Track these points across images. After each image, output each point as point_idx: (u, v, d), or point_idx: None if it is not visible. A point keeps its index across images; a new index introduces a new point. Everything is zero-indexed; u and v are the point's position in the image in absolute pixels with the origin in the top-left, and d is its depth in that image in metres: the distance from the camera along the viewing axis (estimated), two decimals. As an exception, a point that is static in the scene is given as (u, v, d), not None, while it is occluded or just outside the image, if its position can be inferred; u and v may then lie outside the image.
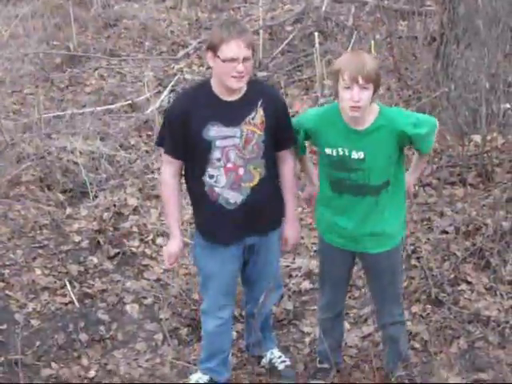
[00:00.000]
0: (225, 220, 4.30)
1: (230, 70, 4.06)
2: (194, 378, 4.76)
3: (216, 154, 4.19)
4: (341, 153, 4.13)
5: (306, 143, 4.45)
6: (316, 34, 8.84)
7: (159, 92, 8.94)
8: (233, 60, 4.04)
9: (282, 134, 4.31)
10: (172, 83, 9.03)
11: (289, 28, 10.15)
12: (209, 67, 9.51)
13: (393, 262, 4.37)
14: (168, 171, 4.34)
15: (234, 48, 4.03)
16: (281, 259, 5.68)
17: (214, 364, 4.66)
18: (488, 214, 5.91)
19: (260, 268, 4.53)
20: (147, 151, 7.75)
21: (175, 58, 9.82)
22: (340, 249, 4.37)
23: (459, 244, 5.74)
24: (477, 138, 6.77)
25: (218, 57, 4.07)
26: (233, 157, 4.20)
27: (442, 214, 6.15)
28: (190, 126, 4.17)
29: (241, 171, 4.23)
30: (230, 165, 4.21)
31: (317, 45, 8.61)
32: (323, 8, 10.12)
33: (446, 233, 5.92)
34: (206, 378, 4.70)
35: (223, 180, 4.23)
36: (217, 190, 4.24)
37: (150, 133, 8.11)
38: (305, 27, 9.99)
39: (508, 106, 6.69)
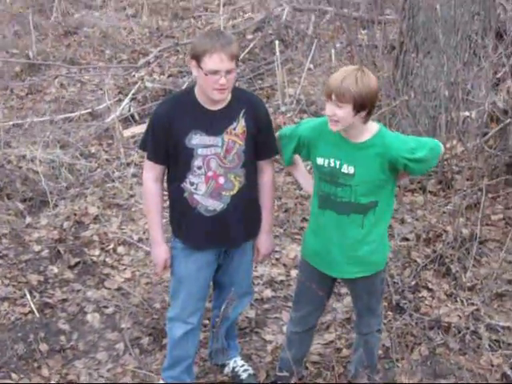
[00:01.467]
0: (203, 227, 4.30)
1: (212, 83, 4.05)
2: None
3: (197, 162, 4.19)
4: (332, 164, 4.09)
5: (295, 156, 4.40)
6: (277, 42, 8.87)
7: (120, 100, 8.91)
8: (215, 73, 4.02)
9: (262, 144, 4.32)
10: (133, 91, 9.01)
11: (249, 36, 10.18)
12: (170, 75, 9.56)
13: (371, 287, 4.33)
14: (150, 176, 4.33)
15: (216, 61, 4.00)
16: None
17: (178, 372, 4.64)
18: (448, 221, 5.97)
19: (232, 273, 4.54)
20: (108, 160, 7.71)
21: (136, 66, 9.79)
22: (319, 271, 4.34)
23: (420, 251, 5.79)
24: (436, 145, 6.82)
25: (201, 68, 4.06)
26: (214, 165, 4.20)
27: (402, 221, 6.19)
28: (173, 132, 4.18)
29: (221, 180, 4.23)
30: (210, 173, 4.21)
31: (277, 53, 8.64)
32: (284, 17, 10.17)
33: (407, 240, 5.97)
34: None
35: (203, 188, 4.23)
36: (196, 197, 4.25)
37: (110, 141, 8.08)
38: (265, 35, 10.03)
39: (467, 113, 6.75)
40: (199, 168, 4.20)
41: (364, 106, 3.92)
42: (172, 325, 4.57)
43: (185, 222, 4.34)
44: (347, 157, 4.05)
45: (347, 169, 4.06)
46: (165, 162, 4.29)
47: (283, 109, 8.26)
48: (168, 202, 4.45)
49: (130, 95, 8.92)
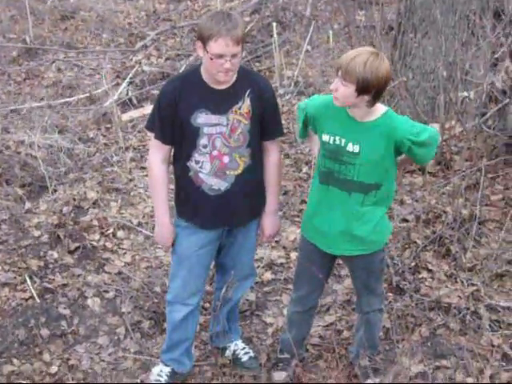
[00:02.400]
0: (207, 206, 4.32)
1: (217, 66, 4.05)
2: (155, 371, 4.75)
3: (203, 141, 4.21)
4: (337, 142, 4.10)
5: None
6: (274, 24, 8.84)
7: (117, 84, 8.90)
8: (220, 57, 4.02)
9: (268, 124, 4.33)
10: (130, 75, 9.00)
11: (247, 19, 10.14)
12: (167, 58, 9.53)
13: (370, 265, 4.35)
14: (157, 156, 4.34)
15: (222, 46, 4.00)
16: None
17: (177, 354, 4.66)
18: (447, 202, 5.97)
19: (235, 254, 4.56)
20: (106, 144, 7.70)
21: (133, 50, 9.76)
22: (319, 249, 4.36)
23: (419, 232, 5.79)
24: (435, 126, 6.80)
25: (207, 51, 4.05)
26: (219, 144, 4.22)
27: (402, 203, 6.19)
28: (179, 112, 4.19)
29: (226, 159, 4.24)
30: (215, 152, 4.23)
31: (275, 35, 8.61)
32: (281, -2, 10.15)
33: (407, 221, 5.97)
34: (167, 370, 4.69)
35: (208, 166, 4.24)
36: (201, 176, 4.26)
37: (108, 125, 8.07)
38: (263, 18, 10.00)
39: (466, 94, 6.73)
40: (204, 147, 4.21)
41: (367, 90, 3.91)
42: (171, 308, 4.59)
43: (189, 201, 4.36)
44: (353, 135, 4.07)
45: (352, 147, 4.07)
46: (171, 141, 4.30)
47: (281, 91, 8.24)
48: (174, 182, 4.47)
49: (127, 79, 8.91)
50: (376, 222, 4.23)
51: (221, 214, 4.34)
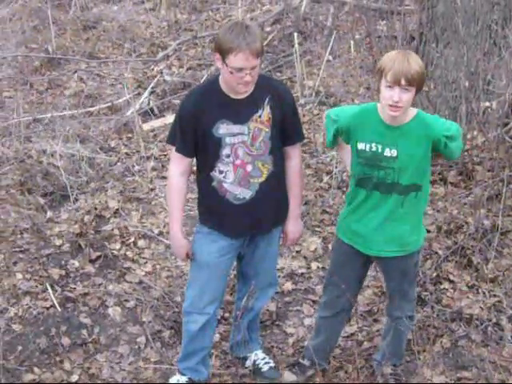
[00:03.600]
0: (232, 214, 4.34)
1: (237, 79, 4.09)
2: (172, 380, 4.76)
3: (226, 151, 4.24)
4: (374, 148, 4.15)
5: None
6: (295, 34, 8.84)
7: (139, 94, 8.91)
8: (240, 70, 4.05)
9: (288, 130, 4.35)
10: (152, 85, 9.00)
11: (268, 29, 10.14)
12: (189, 68, 9.55)
13: (405, 267, 4.39)
14: (177, 169, 4.36)
15: (242, 59, 4.02)
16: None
17: (194, 363, 4.66)
18: (469, 213, 5.94)
19: (256, 263, 4.57)
20: (127, 153, 7.72)
21: (155, 60, 9.78)
22: (355, 250, 4.37)
23: (441, 243, 5.76)
24: (457, 136, 6.78)
25: (226, 64, 4.07)
26: (241, 153, 4.25)
27: (423, 213, 6.15)
28: (201, 123, 4.22)
29: (249, 168, 4.27)
30: (238, 161, 4.26)
31: (296, 45, 8.60)
32: (302, 8, 10.13)
33: (428, 231, 5.91)
34: (184, 379, 4.70)
35: (232, 176, 4.27)
36: (225, 185, 4.29)
37: (130, 135, 8.09)
38: (284, 28, 9.99)
39: (488, 104, 6.71)
40: (227, 156, 4.24)
41: (422, 85, 4.06)
42: (188, 318, 4.59)
43: (214, 210, 4.39)
44: (389, 140, 4.13)
45: (390, 152, 4.13)
46: (193, 154, 4.33)
47: (302, 101, 8.23)
48: (196, 194, 4.51)
49: (149, 89, 8.92)
50: (414, 223, 4.29)
51: (246, 222, 4.36)
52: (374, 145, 4.15)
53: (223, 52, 4.06)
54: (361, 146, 4.19)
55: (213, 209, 4.39)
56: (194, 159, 4.41)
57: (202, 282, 4.48)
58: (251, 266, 4.60)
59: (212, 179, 4.30)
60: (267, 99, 4.24)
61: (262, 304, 4.82)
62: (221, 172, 4.27)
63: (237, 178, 4.27)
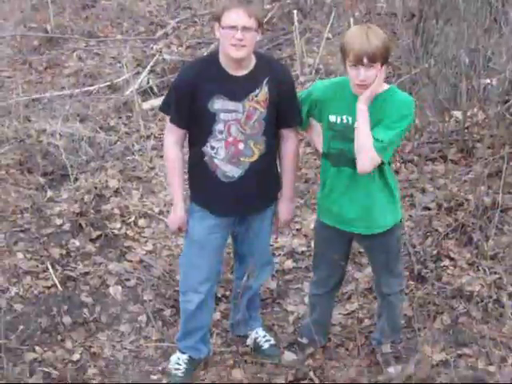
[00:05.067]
0: (220, 192, 4.33)
1: (229, 38, 4.07)
2: (173, 359, 4.76)
3: (219, 127, 4.22)
4: (345, 121, 4.14)
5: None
6: (295, 11, 8.81)
7: (138, 73, 8.89)
8: (231, 27, 4.04)
9: (285, 112, 4.32)
10: (151, 64, 8.98)
11: (267, 6, 10.09)
12: (188, 47, 9.52)
13: (387, 242, 4.38)
14: (171, 139, 4.36)
15: (233, 16, 4.04)
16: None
17: (193, 341, 4.67)
18: (469, 190, 5.93)
19: (251, 241, 4.56)
20: (127, 133, 7.71)
21: (154, 39, 9.76)
22: (336, 229, 4.37)
23: (441, 220, 5.76)
24: (457, 113, 6.78)
25: (221, 26, 4.09)
26: (234, 131, 4.23)
27: (423, 191, 6.16)
28: (197, 97, 4.20)
29: (241, 146, 4.25)
30: (230, 138, 4.24)
31: (296, 23, 8.57)
32: (302, -14, 10.08)
33: (428, 209, 5.94)
34: (185, 358, 4.70)
35: (223, 153, 4.25)
36: (216, 161, 4.27)
37: (129, 114, 8.07)
38: (283, 5, 9.95)
39: (488, 81, 6.69)
40: (220, 132, 4.22)
41: (387, 58, 4.04)
42: (184, 298, 4.60)
43: (203, 187, 4.38)
44: None
45: None
46: (187, 125, 4.31)
47: (302, 79, 8.21)
48: (188, 168, 4.49)
49: (148, 67, 8.89)
50: (389, 198, 4.29)
51: (233, 201, 4.34)
52: (344, 117, 4.14)
53: (219, 15, 4.10)
54: (332, 118, 4.18)
55: (202, 185, 4.39)
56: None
57: (194, 258, 4.48)
58: (245, 246, 4.60)
59: (203, 154, 4.29)
60: (266, 79, 4.22)
61: (261, 282, 4.81)
62: (212, 148, 4.25)
63: (228, 155, 4.25)
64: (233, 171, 4.28)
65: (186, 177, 4.52)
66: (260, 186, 4.36)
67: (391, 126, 4.06)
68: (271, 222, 4.60)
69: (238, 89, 4.19)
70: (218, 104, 4.19)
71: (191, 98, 4.20)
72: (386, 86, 4.16)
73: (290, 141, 4.42)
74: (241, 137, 4.24)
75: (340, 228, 4.35)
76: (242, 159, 4.27)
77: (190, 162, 4.47)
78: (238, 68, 4.18)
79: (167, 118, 4.42)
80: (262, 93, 4.22)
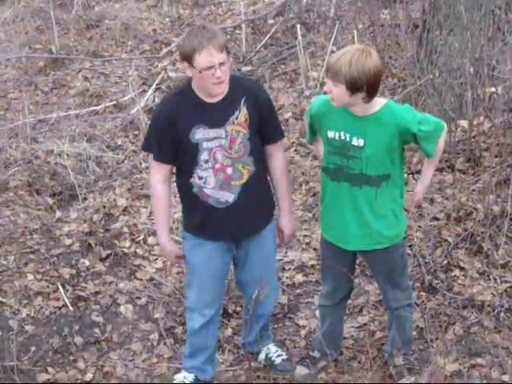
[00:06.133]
0: (215, 219, 4.29)
1: (208, 78, 4.04)
2: (178, 377, 4.75)
3: (204, 156, 4.19)
4: (342, 137, 4.12)
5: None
6: (298, 26, 8.83)
7: (144, 91, 8.91)
8: (209, 68, 4.01)
9: (267, 129, 4.31)
10: (156, 82, 9.01)
11: (271, 21, 10.13)
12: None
13: (390, 259, 4.35)
14: (157, 177, 4.34)
15: (206, 56, 3.99)
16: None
17: (199, 362, 4.65)
18: (478, 199, 5.92)
19: (253, 265, 4.50)
20: (134, 151, 7.72)
21: (158, 57, 9.77)
22: (338, 246, 4.36)
23: (450, 230, 5.75)
24: (464, 123, 6.77)
25: (194, 67, 4.04)
26: (220, 157, 4.20)
27: (432, 201, 6.15)
28: (177, 130, 4.17)
29: (229, 171, 4.22)
30: (218, 165, 4.21)
31: (299, 37, 8.59)
32: (304, 0, 10.11)
33: (437, 219, 5.93)
34: (191, 377, 4.69)
35: (213, 181, 4.22)
36: (207, 191, 4.24)
37: (136, 132, 8.09)
38: (287, 20, 9.98)
39: (493, 89, 6.68)
40: (206, 162, 4.19)
41: (358, 87, 3.93)
42: (190, 315, 4.59)
43: (197, 216, 4.34)
44: (356, 129, 4.10)
45: (357, 141, 4.10)
46: (171, 160, 4.28)
47: (307, 92, 8.22)
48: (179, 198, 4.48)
49: (153, 86, 8.92)
50: (392, 215, 4.26)
51: (230, 225, 4.31)
52: (342, 133, 4.12)
53: (188, 57, 4.04)
54: (330, 134, 4.17)
55: (195, 214, 4.34)
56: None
57: (196, 285, 4.47)
58: (246, 272, 4.54)
59: (192, 186, 4.26)
60: (242, 100, 4.19)
61: (268, 310, 4.74)
62: (200, 178, 4.22)
63: (218, 182, 4.22)
64: (226, 196, 4.25)
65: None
66: (255, 205, 4.33)
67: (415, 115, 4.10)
68: (273, 243, 4.56)
69: (216, 115, 4.17)
70: (199, 133, 4.16)
71: (171, 132, 4.17)
72: (382, 102, 4.13)
73: (276, 157, 4.40)
74: (228, 162, 4.21)
75: (340, 246, 4.35)
76: (232, 183, 4.24)
77: (180, 194, 4.44)
78: (215, 95, 4.17)
79: (150, 156, 4.39)
80: (242, 114, 4.19)
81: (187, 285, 4.60)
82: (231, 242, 4.40)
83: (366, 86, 3.92)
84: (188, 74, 4.16)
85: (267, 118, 4.31)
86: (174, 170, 4.40)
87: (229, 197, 4.25)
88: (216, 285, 4.50)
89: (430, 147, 4.15)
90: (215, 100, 4.17)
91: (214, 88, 4.09)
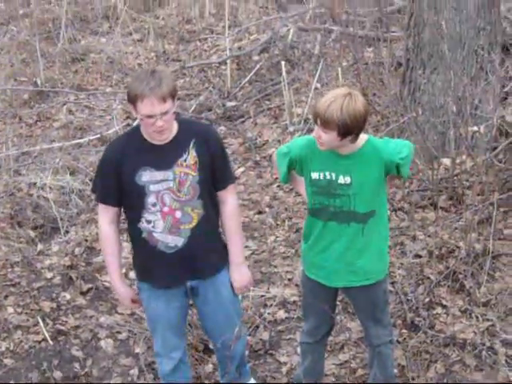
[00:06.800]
0: (164, 264, 4.22)
1: (149, 126, 4.00)
2: None
3: (151, 199, 4.13)
4: (328, 177, 4.12)
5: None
6: (283, 62, 8.89)
7: (128, 125, 8.92)
8: (150, 117, 3.97)
9: (218, 173, 4.25)
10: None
11: (256, 57, 10.19)
12: (177, 98, 9.53)
13: (373, 295, 4.34)
14: (104, 219, 4.28)
15: (148, 106, 3.93)
16: (255, 289, 5.71)
17: None
18: (460, 237, 5.94)
19: (211, 314, 4.42)
20: (117, 185, 7.70)
21: (143, 91, 9.78)
22: (321, 284, 4.35)
23: (433, 267, 5.75)
24: (446, 161, 6.81)
25: (137, 112, 4.01)
26: (168, 200, 4.13)
27: (414, 238, 6.17)
28: (123, 172, 4.12)
29: (178, 214, 4.15)
30: (166, 209, 4.14)
31: (284, 73, 8.65)
32: (289, 37, 10.19)
33: (420, 257, 5.94)
34: None
35: (161, 224, 4.15)
36: (155, 235, 4.18)
37: (120, 166, 8.07)
38: (272, 56, 10.05)
39: (476, 128, 6.73)
40: (154, 205, 4.14)
41: (349, 132, 3.96)
42: (160, 360, 4.55)
43: (147, 262, 4.28)
44: (342, 168, 4.10)
45: (344, 179, 4.11)
46: (116, 203, 4.23)
47: (291, 129, 8.26)
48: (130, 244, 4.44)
49: (138, 120, 8.92)
50: (378, 251, 4.27)
51: (182, 270, 4.24)
52: (327, 173, 4.12)
53: (132, 100, 3.99)
54: (314, 175, 4.16)
55: (145, 261, 4.29)
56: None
57: (161, 332, 4.42)
58: (208, 320, 4.47)
59: (141, 231, 4.20)
60: (192, 143, 4.14)
61: (239, 351, 4.64)
62: (148, 222, 4.16)
63: (166, 226, 4.15)
64: (175, 241, 4.18)
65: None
66: (205, 249, 4.26)
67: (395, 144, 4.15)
68: (230, 289, 4.44)
69: (164, 157, 4.11)
70: (146, 176, 4.10)
71: (117, 174, 4.12)
72: (364, 138, 4.13)
73: (228, 202, 4.33)
74: (176, 205, 4.14)
75: (324, 283, 4.33)
76: (181, 227, 4.17)
77: (130, 239, 4.38)
78: (157, 140, 4.12)
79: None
80: (191, 156, 4.13)
81: (151, 332, 4.56)
82: (183, 288, 4.32)
83: (356, 129, 3.95)
84: (133, 113, 4.11)
85: (218, 161, 4.23)
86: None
87: (178, 241, 4.18)
88: (177, 330, 4.45)
89: (407, 170, 4.19)
90: (162, 142, 4.12)
91: (155, 135, 4.06)
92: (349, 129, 3.92)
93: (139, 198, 4.13)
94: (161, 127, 3.99)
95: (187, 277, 4.29)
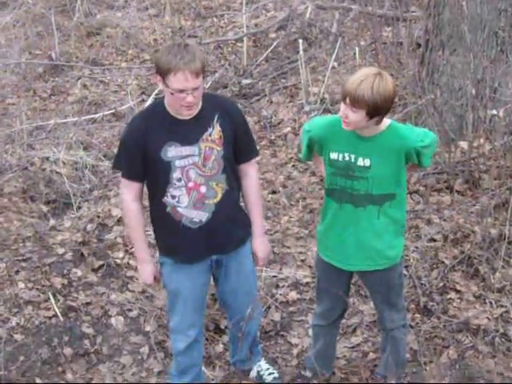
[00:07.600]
0: (189, 239, 4.22)
1: (179, 101, 3.97)
2: None
3: (176, 174, 4.11)
4: (347, 158, 4.10)
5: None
6: (300, 40, 8.80)
7: (143, 101, 8.87)
8: (181, 91, 3.93)
9: (241, 147, 4.25)
10: (156, 92, 8.96)
11: (273, 35, 10.10)
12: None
13: (389, 279, 4.32)
14: (128, 196, 4.26)
15: (181, 80, 3.90)
16: (267, 269, 5.68)
17: (187, 379, 4.60)
18: (476, 222, 5.89)
19: (233, 286, 4.44)
20: (131, 161, 7.66)
21: (159, 67, 9.73)
22: (337, 267, 4.32)
23: (447, 252, 5.71)
24: (463, 144, 6.74)
25: (167, 85, 3.97)
26: (193, 175, 4.12)
27: (429, 222, 6.11)
28: (148, 148, 4.10)
29: (203, 189, 4.15)
30: (191, 184, 4.13)
31: (301, 52, 8.56)
32: (307, 15, 10.09)
33: (434, 240, 5.89)
34: None
35: (186, 200, 4.15)
36: (180, 210, 4.17)
37: (133, 142, 8.03)
38: (289, 34, 9.95)
39: (494, 111, 6.65)
40: (179, 180, 4.12)
41: (378, 112, 3.93)
42: (174, 336, 4.54)
43: (171, 237, 4.28)
44: (362, 150, 4.07)
45: (363, 162, 4.08)
46: (141, 179, 4.22)
47: (307, 108, 8.19)
48: (150, 221, 4.41)
49: (153, 95, 8.87)
50: (394, 235, 4.24)
51: (205, 245, 4.24)
52: (346, 154, 4.10)
53: (163, 73, 3.94)
54: (333, 155, 4.14)
55: (169, 236, 4.28)
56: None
57: (179, 308, 4.41)
58: (228, 292, 4.48)
59: (165, 205, 4.18)
60: (216, 117, 4.13)
61: (254, 327, 4.69)
62: (173, 197, 4.15)
63: (191, 201, 4.14)
64: (199, 216, 4.18)
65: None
66: (229, 223, 4.26)
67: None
68: (252, 262, 4.48)
69: (189, 132, 4.09)
70: (172, 151, 4.09)
71: (142, 149, 4.10)
72: (387, 122, 4.10)
73: (250, 175, 4.36)
74: (201, 180, 4.13)
75: (339, 267, 4.31)
76: (206, 202, 4.17)
77: (152, 215, 4.36)
78: (184, 115, 4.10)
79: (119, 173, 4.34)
80: (216, 131, 4.12)
81: (169, 308, 4.54)
82: (208, 261, 4.33)
83: (385, 110, 3.93)
84: (160, 87, 4.09)
85: (242, 135, 4.24)
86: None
87: (202, 216, 4.18)
88: (198, 306, 4.45)
89: (428, 160, 4.16)
90: (187, 117, 4.10)
91: (182, 110, 4.03)
92: (378, 109, 3.89)
93: (164, 174, 4.12)
94: (190, 102, 3.97)
95: (211, 251, 4.30)
